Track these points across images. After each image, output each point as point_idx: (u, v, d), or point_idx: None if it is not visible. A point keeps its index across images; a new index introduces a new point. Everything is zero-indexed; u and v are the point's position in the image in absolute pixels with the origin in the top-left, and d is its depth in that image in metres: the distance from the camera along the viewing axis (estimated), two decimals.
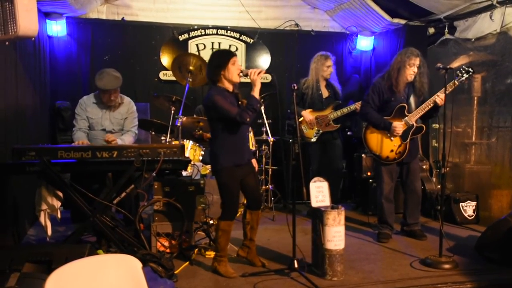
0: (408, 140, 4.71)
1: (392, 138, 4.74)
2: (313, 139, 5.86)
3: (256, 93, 3.75)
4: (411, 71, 4.64)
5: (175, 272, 3.73)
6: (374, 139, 4.83)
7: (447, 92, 4.38)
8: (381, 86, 4.75)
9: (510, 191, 5.29)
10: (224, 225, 3.85)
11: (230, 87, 3.84)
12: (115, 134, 4.71)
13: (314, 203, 3.87)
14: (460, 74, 4.57)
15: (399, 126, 4.68)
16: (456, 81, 4.56)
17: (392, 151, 4.75)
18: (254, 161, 4.08)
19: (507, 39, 5.25)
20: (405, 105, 4.72)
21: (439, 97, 4.51)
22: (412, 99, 4.76)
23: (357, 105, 5.65)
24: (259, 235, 4.22)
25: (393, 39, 6.74)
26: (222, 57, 3.82)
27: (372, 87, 4.82)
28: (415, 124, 4.72)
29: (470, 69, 4.55)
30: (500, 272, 3.93)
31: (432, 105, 4.61)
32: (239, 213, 4.60)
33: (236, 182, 3.85)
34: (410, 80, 4.69)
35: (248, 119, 3.68)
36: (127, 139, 4.69)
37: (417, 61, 4.62)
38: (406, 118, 4.72)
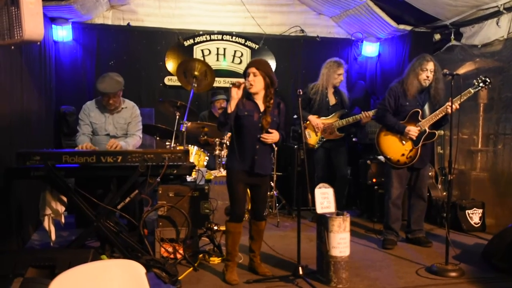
0: (419, 145, 4.70)
1: (404, 142, 4.73)
2: (316, 146, 5.83)
3: (228, 106, 3.72)
4: (424, 76, 4.63)
5: (179, 278, 3.71)
6: (386, 142, 4.82)
7: (461, 100, 4.43)
8: (397, 90, 4.76)
9: None
10: (230, 226, 3.85)
11: (255, 95, 3.83)
12: (119, 139, 4.67)
13: (319, 210, 3.84)
14: (476, 83, 4.54)
15: (413, 129, 4.67)
16: (471, 90, 4.54)
17: (403, 155, 4.74)
18: None
19: None
20: (419, 110, 4.71)
21: (450, 106, 4.42)
22: (427, 106, 4.74)
23: (362, 115, 5.61)
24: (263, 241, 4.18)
25: (398, 45, 6.73)
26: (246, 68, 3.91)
27: (388, 91, 4.83)
28: (427, 130, 4.70)
29: (487, 79, 4.52)
30: (508, 281, 3.88)
31: (444, 112, 4.59)
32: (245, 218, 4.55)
33: (240, 184, 3.82)
34: (424, 85, 4.68)
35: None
36: (131, 142, 4.66)
37: (429, 65, 4.61)
38: (419, 123, 4.70)
